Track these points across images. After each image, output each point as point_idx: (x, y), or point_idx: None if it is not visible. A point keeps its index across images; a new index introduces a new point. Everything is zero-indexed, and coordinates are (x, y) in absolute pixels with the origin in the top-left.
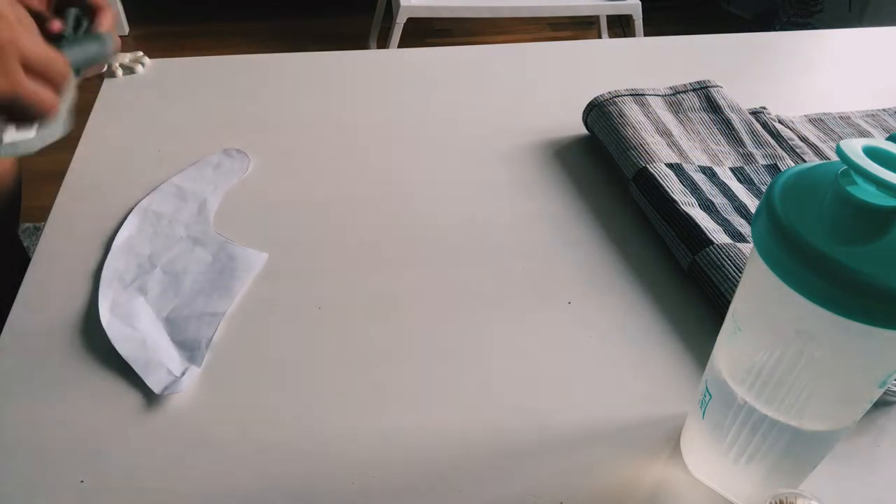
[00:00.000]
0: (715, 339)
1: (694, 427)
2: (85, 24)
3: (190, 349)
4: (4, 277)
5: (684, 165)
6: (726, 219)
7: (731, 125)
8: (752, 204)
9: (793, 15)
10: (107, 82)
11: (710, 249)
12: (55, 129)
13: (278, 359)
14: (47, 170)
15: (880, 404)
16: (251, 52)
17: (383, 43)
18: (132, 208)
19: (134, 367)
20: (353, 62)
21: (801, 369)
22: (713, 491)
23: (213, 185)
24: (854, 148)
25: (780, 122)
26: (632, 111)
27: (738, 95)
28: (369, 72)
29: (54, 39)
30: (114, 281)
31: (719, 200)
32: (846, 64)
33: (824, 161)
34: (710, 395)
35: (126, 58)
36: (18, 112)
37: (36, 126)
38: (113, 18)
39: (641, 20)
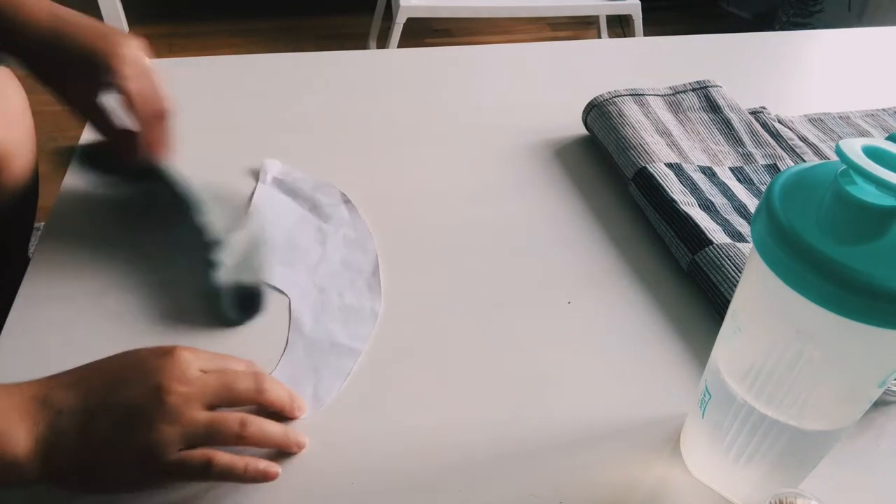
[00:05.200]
0: (715, 339)
1: (694, 427)
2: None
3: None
4: (6, 287)
5: (684, 165)
6: (726, 219)
7: (731, 125)
8: (751, 204)
9: (792, 15)
10: None
11: (710, 249)
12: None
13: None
14: (47, 170)
15: (880, 404)
16: (251, 52)
17: (383, 43)
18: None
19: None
20: (352, 62)
21: (801, 369)
22: (713, 491)
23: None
24: (854, 148)
25: (779, 122)
26: (631, 111)
27: (738, 95)
28: (369, 72)
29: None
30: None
31: (719, 200)
32: (846, 64)
33: (824, 161)
34: (710, 395)
35: None
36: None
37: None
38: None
39: (641, 20)
